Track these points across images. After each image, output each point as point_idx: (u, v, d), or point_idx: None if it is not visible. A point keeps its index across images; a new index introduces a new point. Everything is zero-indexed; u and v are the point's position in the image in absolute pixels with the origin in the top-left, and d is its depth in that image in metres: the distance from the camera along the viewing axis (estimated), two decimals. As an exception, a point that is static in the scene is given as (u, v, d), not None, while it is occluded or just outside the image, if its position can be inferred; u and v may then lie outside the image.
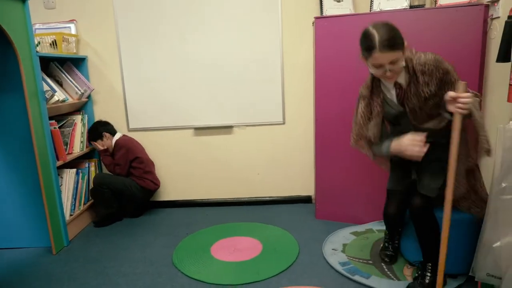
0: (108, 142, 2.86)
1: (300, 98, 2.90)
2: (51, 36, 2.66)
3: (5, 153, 2.38)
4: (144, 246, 2.46)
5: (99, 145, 2.84)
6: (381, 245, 2.19)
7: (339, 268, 2.05)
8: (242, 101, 2.91)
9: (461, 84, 1.50)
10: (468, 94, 1.48)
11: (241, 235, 2.53)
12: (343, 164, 2.56)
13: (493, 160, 1.59)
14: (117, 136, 2.90)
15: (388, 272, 1.98)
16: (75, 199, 2.69)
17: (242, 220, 2.80)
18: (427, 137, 1.62)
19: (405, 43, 1.54)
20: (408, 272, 1.97)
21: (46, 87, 2.43)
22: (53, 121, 2.49)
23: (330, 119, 2.52)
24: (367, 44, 1.53)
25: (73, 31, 2.84)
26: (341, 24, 2.36)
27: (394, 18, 2.27)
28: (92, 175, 2.95)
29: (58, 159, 2.49)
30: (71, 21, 2.85)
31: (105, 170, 3.04)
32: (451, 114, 1.52)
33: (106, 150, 2.87)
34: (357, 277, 1.95)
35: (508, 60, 1.73)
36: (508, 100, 1.71)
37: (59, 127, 2.60)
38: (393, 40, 1.49)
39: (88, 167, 2.90)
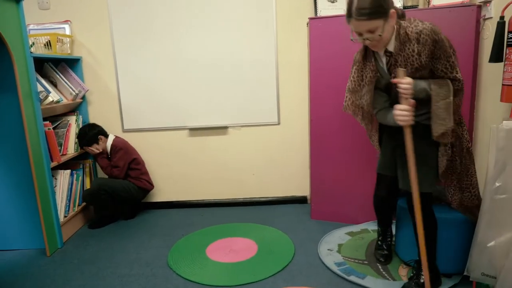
0: (103, 144, 2.83)
1: (295, 99, 2.91)
2: (45, 37, 2.64)
3: (-2, 154, 2.37)
4: (139, 248, 2.45)
5: (95, 149, 2.79)
6: (375, 244, 2.20)
7: (335, 268, 2.05)
8: (237, 102, 2.92)
9: (399, 71, 1.53)
10: (408, 80, 1.50)
11: (237, 236, 2.53)
12: (338, 164, 2.56)
13: (486, 160, 1.60)
14: (111, 138, 2.87)
15: (384, 272, 1.98)
16: (69, 201, 2.68)
17: (238, 220, 2.79)
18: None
19: (391, 11, 1.48)
20: (403, 272, 1.97)
21: (40, 88, 2.41)
22: (47, 122, 2.47)
23: (325, 119, 2.52)
24: (346, 10, 1.51)
25: (67, 32, 2.83)
26: (335, 24, 2.37)
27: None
28: (87, 176, 2.94)
29: (52, 160, 2.47)
30: (66, 21, 2.84)
31: (100, 173, 3.02)
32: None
33: (101, 153, 2.84)
34: (352, 278, 1.95)
35: (501, 60, 1.75)
36: (501, 100, 1.72)
37: (53, 128, 2.59)
38: (371, 8, 1.43)
39: (83, 168, 2.89)
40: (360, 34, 1.52)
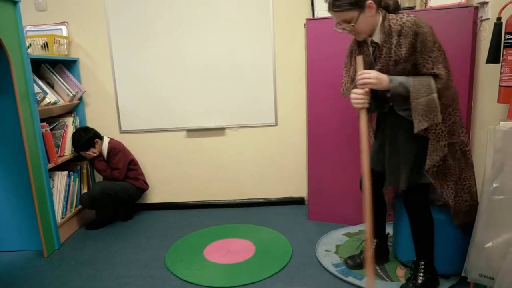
0: (99, 148, 2.80)
1: (292, 100, 2.91)
2: (42, 38, 2.64)
3: (-5, 156, 2.36)
4: (136, 249, 2.44)
5: (92, 153, 2.76)
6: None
7: (332, 269, 2.05)
8: (235, 103, 2.92)
9: (357, 58, 1.63)
10: (368, 71, 1.57)
11: (234, 237, 2.52)
12: (335, 165, 2.56)
13: (484, 161, 1.60)
14: (106, 140, 2.84)
15: (381, 273, 1.99)
16: (66, 202, 2.67)
17: (235, 222, 2.79)
18: (395, 107, 1.64)
19: (367, 3, 1.52)
20: (401, 273, 1.97)
21: (37, 89, 2.41)
22: (45, 124, 2.47)
23: (322, 120, 2.52)
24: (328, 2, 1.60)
25: (64, 33, 2.83)
26: (333, 25, 2.36)
27: (386, 20, 2.29)
28: (84, 177, 2.93)
29: (49, 162, 2.47)
30: (63, 23, 2.84)
31: (97, 176, 3.01)
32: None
33: (98, 156, 2.82)
34: (350, 279, 1.95)
35: (498, 61, 1.75)
36: (498, 101, 1.72)
37: (51, 129, 2.58)
38: (344, 0, 1.51)
39: (80, 169, 2.88)
40: (339, 24, 1.60)
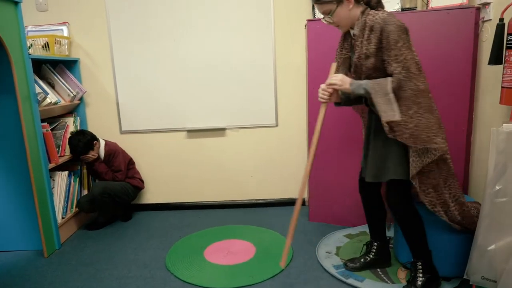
0: (97, 150, 2.78)
1: (293, 100, 2.90)
2: (43, 38, 2.64)
3: (-4, 156, 2.36)
4: (136, 249, 2.44)
5: (91, 156, 2.74)
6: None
7: (333, 271, 2.04)
8: (235, 103, 2.91)
9: (332, 65, 1.77)
10: (335, 75, 1.69)
11: (234, 238, 2.52)
12: (336, 166, 2.55)
13: (486, 163, 1.59)
14: (102, 142, 2.82)
15: (382, 275, 1.98)
16: (67, 202, 2.67)
17: (235, 222, 2.79)
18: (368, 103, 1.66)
19: None
20: (402, 275, 1.96)
21: (38, 90, 2.41)
22: (45, 124, 2.46)
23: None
24: None
25: (65, 33, 2.83)
26: (333, 26, 2.36)
27: (387, 20, 2.29)
28: (84, 177, 2.93)
29: (50, 162, 2.46)
30: (64, 23, 2.84)
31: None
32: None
33: (97, 159, 2.80)
34: (351, 280, 1.94)
35: (500, 63, 1.74)
36: (501, 102, 1.71)
37: (51, 130, 2.58)
38: None
39: (80, 169, 2.88)
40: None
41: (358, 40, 1.65)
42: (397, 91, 1.55)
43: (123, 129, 3.00)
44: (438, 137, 1.58)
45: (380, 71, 1.62)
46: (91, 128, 2.99)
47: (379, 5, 1.67)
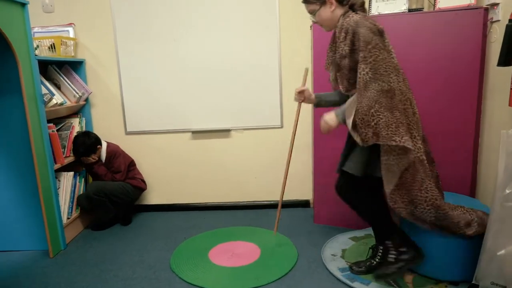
0: (99, 153, 2.78)
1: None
2: (49, 40, 2.65)
3: (3, 156, 2.37)
4: (141, 250, 2.44)
5: (92, 159, 2.73)
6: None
7: (338, 274, 2.02)
8: (240, 105, 2.90)
9: (305, 70, 2.03)
10: (325, 119, 1.82)
11: (239, 239, 2.51)
12: (342, 168, 2.53)
13: (495, 166, 1.57)
14: (105, 144, 2.82)
15: (389, 279, 1.95)
16: (72, 202, 2.67)
17: (240, 224, 2.78)
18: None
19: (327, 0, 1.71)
20: (409, 279, 1.94)
21: (44, 90, 2.42)
22: (51, 124, 2.47)
23: (329, 123, 2.50)
24: None
25: (71, 35, 2.84)
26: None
27: (393, 21, 2.27)
28: (90, 178, 2.93)
29: (56, 162, 2.47)
30: (70, 24, 2.85)
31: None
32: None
33: (97, 161, 2.79)
34: (356, 284, 1.92)
35: (509, 64, 1.72)
36: (510, 105, 1.70)
37: (57, 130, 2.59)
38: None
39: (85, 170, 2.88)
40: None
41: (338, 41, 1.72)
42: (361, 91, 1.62)
43: (128, 130, 3.01)
44: (396, 135, 1.60)
45: (354, 71, 1.67)
46: (96, 129, 3.00)
47: (361, 9, 1.75)
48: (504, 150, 1.47)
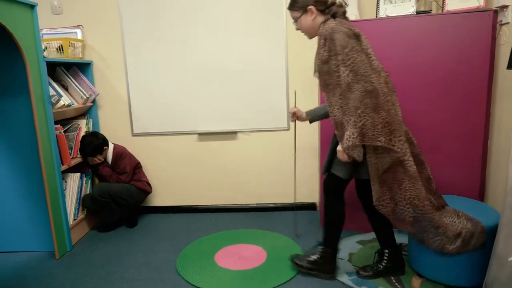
0: (105, 155, 2.78)
1: (305, 104, 2.86)
2: (57, 41, 2.67)
3: (10, 156, 2.38)
4: (147, 252, 2.44)
5: (97, 159, 2.74)
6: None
7: (346, 278, 2.01)
8: (247, 107, 2.90)
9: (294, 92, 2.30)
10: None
11: (245, 242, 2.50)
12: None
13: (504, 169, 1.55)
14: (111, 146, 2.83)
15: (396, 284, 1.94)
16: (78, 204, 2.68)
17: (246, 226, 2.77)
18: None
19: (308, 8, 1.76)
20: (416, 284, 1.92)
21: (52, 92, 2.43)
22: (59, 126, 2.49)
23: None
24: None
25: (79, 36, 2.86)
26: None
27: (401, 24, 2.26)
28: (96, 179, 2.94)
29: (62, 164, 2.48)
30: (78, 26, 2.87)
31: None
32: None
33: (103, 162, 2.80)
34: None
35: (519, 67, 1.70)
36: (519, 108, 1.68)
37: (64, 131, 2.60)
38: (290, 2, 1.83)
39: (92, 171, 2.89)
40: None
41: (318, 48, 1.77)
42: (344, 93, 1.65)
43: (134, 131, 3.02)
44: (382, 136, 1.64)
45: (334, 75, 1.71)
46: (103, 130, 3.01)
47: (343, 17, 1.78)
48: (515, 153, 1.45)
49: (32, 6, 2.20)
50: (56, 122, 2.45)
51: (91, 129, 2.92)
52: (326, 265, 2.01)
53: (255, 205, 3.08)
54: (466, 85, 2.21)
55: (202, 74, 2.88)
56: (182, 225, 2.86)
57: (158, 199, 3.13)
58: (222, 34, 2.81)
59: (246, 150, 2.99)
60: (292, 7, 1.83)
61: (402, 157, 1.69)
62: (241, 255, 2.32)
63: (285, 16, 2.76)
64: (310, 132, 2.92)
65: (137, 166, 2.93)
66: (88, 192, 2.80)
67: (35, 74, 2.22)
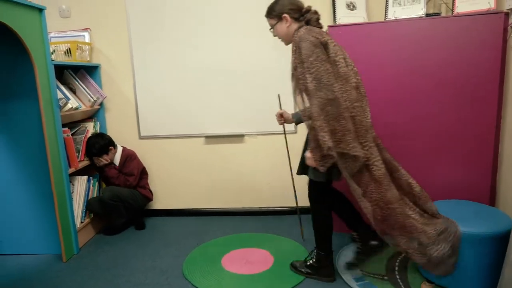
0: (111, 155, 2.79)
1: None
2: (65, 44, 2.68)
3: (18, 159, 2.39)
4: (153, 255, 2.43)
5: (103, 160, 2.74)
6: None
7: (354, 284, 1.98)
8: (254, 110, 2.89)
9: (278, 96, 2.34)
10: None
11: (252, 246, 2.48)
12: (357, 174, 2.50)
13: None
14: (120, 148, 2.84)
15: (405, 288, 1.91)
16: (85, 207, 2.68)
17: (252, 230, 2.75)
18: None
19: (283, 16, 1.81)
20: (426, 289, 1.89)
21: (60, 95, 2.44)
22: (66, 129, 2.49)
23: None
24: None
25: (87, 40, 2.87)
26: (354, 32, 2.33)
27: (410, 26, 2.24)
28: (103, 183, 2.94)
29: (70, 166, 2.49)
30: (85, 29, 2.88)
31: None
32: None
33: (109, 164, 2.80)
34: (372, 293, 1.88)
35: (532, 70, 1.67)
36: (532, 111, 1.65)
37: (72, 134, 2.61)
38: (268, 8, 1.88)
39: (99, 174, 2.89)
40: None
41: (292, 54, 1.81)
42: (310, 99, 1.70)
43: (141, 134, 3.02)
44: (342, 143, 1.68)
45: (300, 82, 1.74)
46: (110, 133, 3.01)
47: (317, 24, 1.83)
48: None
49: (41, 10, 2.22)
50: (63, 125, 2.46)
51: (98, 132, 2.93)
52: (323, 269, 2.04)
53: (262, 208, 3.06)
54: (476, 88, 2.19)
55: (209, 77, 2.87)
56: (188, 229, 2.85)
57: (164, 201, 3.13)
58: (230, 38, 2.81)
59: (253, 153, 2.98)
60: (268, 14, 1.89)
61: (367, 162, 1.75)
62: (248, 260, 2.30)
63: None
64: (317, 135, 2.89)
65: (143, 171, 2.94)
66: (95, 195, 2.80)
67: (43, 77, 2.23)
